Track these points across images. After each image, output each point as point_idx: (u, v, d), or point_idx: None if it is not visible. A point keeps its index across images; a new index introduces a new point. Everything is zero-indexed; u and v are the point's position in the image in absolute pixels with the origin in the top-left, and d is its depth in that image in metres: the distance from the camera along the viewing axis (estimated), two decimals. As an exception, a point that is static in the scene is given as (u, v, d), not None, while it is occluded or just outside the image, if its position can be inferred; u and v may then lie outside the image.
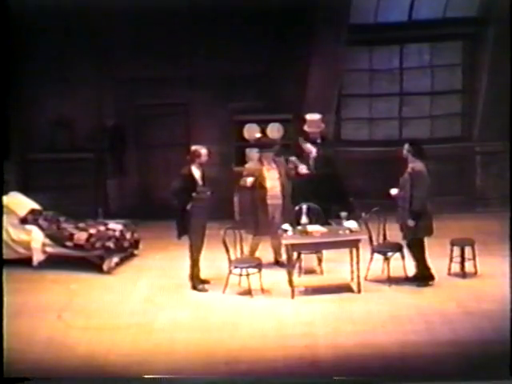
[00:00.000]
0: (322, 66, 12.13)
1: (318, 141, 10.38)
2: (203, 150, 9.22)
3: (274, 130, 12.23)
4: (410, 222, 8.85)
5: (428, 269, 9.13)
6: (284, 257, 9.60)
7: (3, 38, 8.73)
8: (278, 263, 9.87)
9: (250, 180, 9.66)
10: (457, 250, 9.46)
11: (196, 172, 9.21)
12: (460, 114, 12.94)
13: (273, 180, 9.70)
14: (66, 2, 10.79)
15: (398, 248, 9.27)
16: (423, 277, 9.09)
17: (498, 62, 11.50)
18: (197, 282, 9.29)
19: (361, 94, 12.88)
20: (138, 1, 11.04)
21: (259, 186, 9.65)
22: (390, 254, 9.31)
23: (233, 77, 11.99)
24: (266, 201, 9.64)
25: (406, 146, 9.00)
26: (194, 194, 9.12)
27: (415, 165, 8.90)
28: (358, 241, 9.02)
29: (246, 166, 10.28)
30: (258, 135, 12.23)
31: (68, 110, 12.20)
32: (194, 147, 9.34)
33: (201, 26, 11.70)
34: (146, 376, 7.13)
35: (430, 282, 9.11)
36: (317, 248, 9.44)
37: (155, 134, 12.62)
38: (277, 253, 9.90)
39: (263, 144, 11.91)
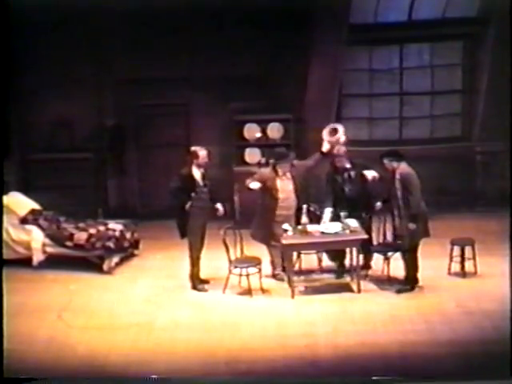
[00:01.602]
0: (322, 66, 12.11)
1: (348, 166, 9.49)
2: (202, 152, 9.17)
3: (274, 130, 12.24)
4: (411, 226, 8.69)
5: (417, 270, 9.02)
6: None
7: (3, 38, 8.73)
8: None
9: (254, 184, 9.26)
10: (457, 250, 9.45)
11: (196, 173, 9.20)
12: (460, 114, 12.92)
13: (286, 192, 9.29)
14: (66, 2, 10.79)
15: (397, 248, 9.26)
16: (411, 281, 8.99)
17: (498, 61, 11.49)
18: (197, 281, 9.29)
19: (361, 93, 12.86)
20: (138, 1, 11.04)
21: (271, 196, 9.27)
22: (390, 253, 9.31)
23: (233, 77, 11.97)
24: (276, 212, 9.26)
25: (385, 160, 8.88)
26: (193, 195, 9.12)
27: (402, 170, 8.77)
28: (358, 240, 9.01)
29: (261, 170, 9.85)
30: (258, 135, 12.25)
31: (68, 110, 12.17)
32: (193, 148, 9.32)
33: (201, 25, 11.70)
34: (145, 376, 7.13)
35: (415, 286, 9.00)
36: (317, 248, 9.45)
37: (155, 134, 12.59)
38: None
39: (263, 144, 12.02)
